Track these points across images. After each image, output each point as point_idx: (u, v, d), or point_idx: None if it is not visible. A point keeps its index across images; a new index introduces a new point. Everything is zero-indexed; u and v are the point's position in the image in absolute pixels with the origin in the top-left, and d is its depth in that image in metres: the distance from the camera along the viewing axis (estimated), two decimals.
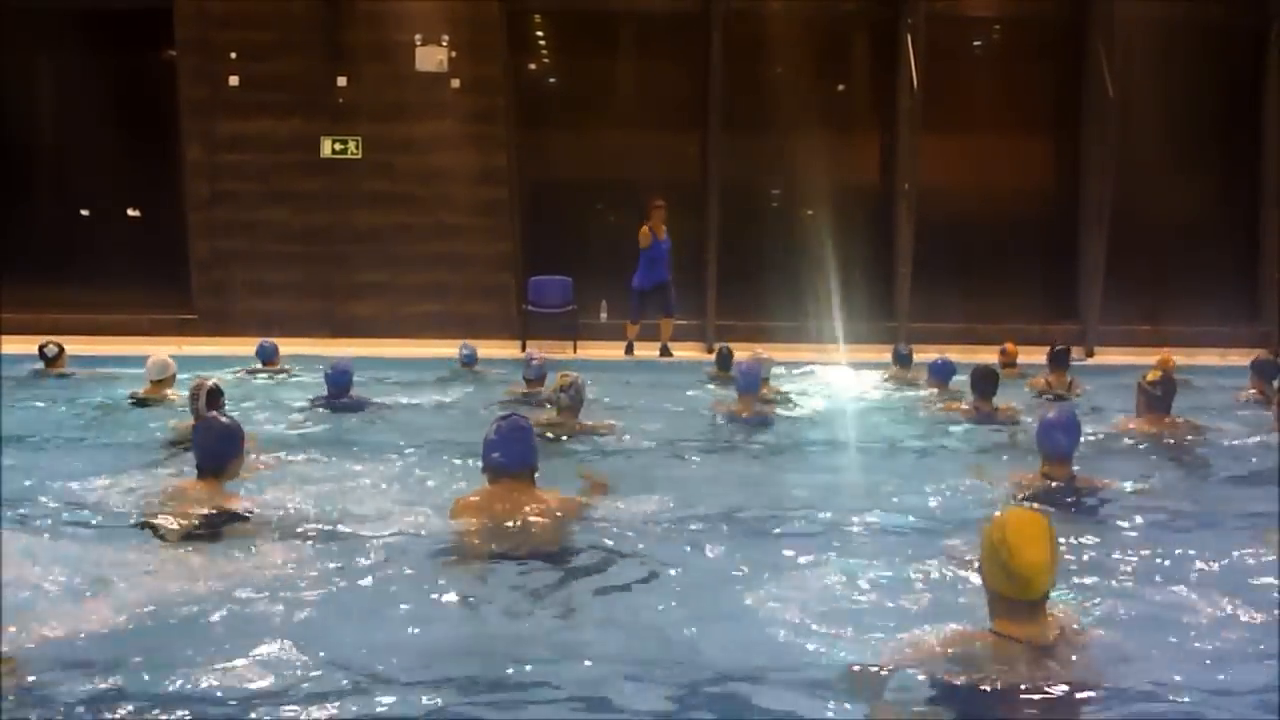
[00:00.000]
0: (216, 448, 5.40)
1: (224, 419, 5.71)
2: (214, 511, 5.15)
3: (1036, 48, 17.27)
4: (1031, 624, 3.46)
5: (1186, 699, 3.56)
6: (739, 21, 15.89)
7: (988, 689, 3.38)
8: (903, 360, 12.11)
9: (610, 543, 5.12)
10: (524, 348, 13.86)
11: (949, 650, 3.52)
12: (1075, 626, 3.71)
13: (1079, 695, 3.41)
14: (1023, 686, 3.37)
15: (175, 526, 5.05)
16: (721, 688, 3.69)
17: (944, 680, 3.43)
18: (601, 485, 5.89)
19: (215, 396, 7.33)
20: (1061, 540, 5.04)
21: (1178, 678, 3.65)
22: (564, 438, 7.75)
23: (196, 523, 5.08)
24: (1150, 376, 7.65)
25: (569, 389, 7.94)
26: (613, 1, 16.71)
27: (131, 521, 5.21)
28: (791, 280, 15.39)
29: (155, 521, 5.10)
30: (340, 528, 5.31)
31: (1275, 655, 3.81)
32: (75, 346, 11.48)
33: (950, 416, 9.15)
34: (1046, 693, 3.37)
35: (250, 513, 5.27)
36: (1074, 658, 3.49)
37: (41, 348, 11.10)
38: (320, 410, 9.13)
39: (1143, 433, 7.61)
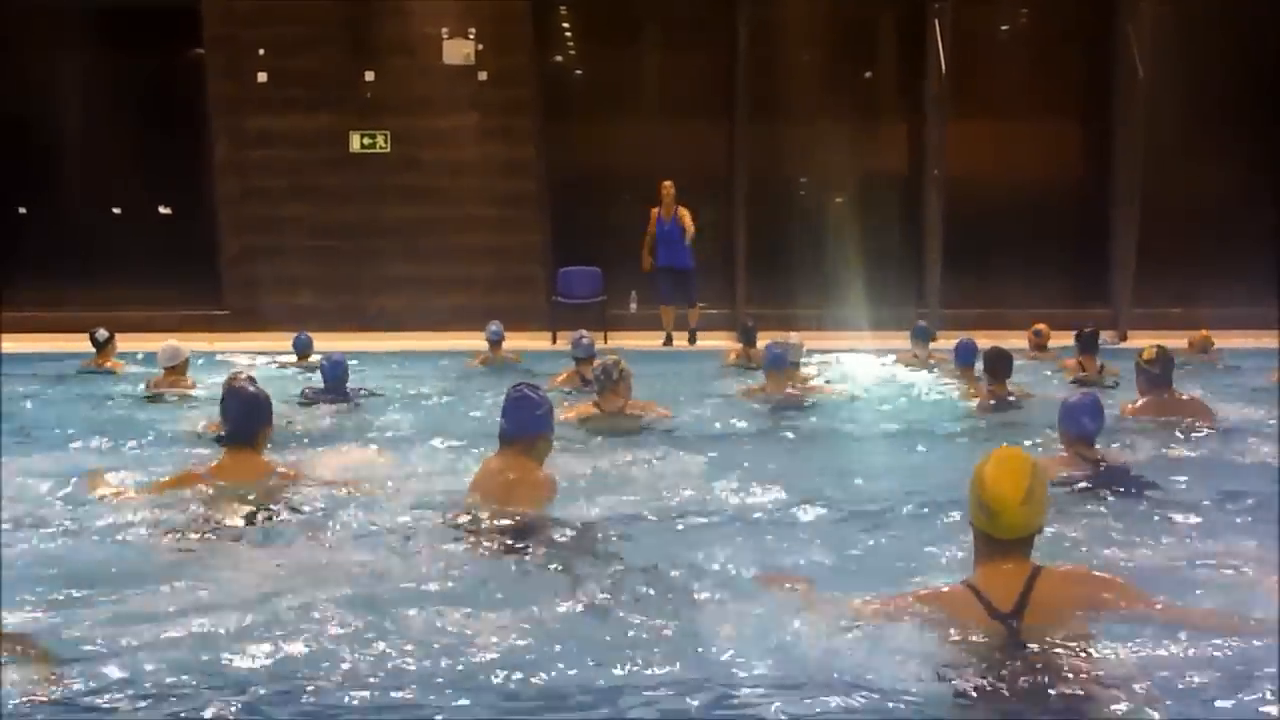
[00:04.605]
0: (249, 415, 5.37)
1: (251, 388, 5.68)
2: (257, 487, 5.18)
3: (1065, 31, 17.11)
4: (1005, 567, 3.50)
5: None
6: (765, 9, 15.86)
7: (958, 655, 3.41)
8: (921, 335, 11.84)
9: (603, 529, 5.03)
10: (554, 339, 13.89)
11: (925, 608, 3.59)
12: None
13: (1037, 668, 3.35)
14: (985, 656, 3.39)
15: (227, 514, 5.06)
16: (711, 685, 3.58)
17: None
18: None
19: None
20: (1089, 521, 5.09)
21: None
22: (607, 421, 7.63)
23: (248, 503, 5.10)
24: (1147, 355, 7.49)
25: (602, 371, 7.73)
26: None
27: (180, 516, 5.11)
28: (821, 268, 15.37)
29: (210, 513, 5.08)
30: (343, 517, 5.29)
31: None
32: None
33: (967, 406, 9.00)
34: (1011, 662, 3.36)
35: (290, 483, 5.33)
36: (1047, 628, 3.44)
37: (92, 333, 11.07)
38: (323, 403, 8.96)
39: (1148, 415, 7.36)
